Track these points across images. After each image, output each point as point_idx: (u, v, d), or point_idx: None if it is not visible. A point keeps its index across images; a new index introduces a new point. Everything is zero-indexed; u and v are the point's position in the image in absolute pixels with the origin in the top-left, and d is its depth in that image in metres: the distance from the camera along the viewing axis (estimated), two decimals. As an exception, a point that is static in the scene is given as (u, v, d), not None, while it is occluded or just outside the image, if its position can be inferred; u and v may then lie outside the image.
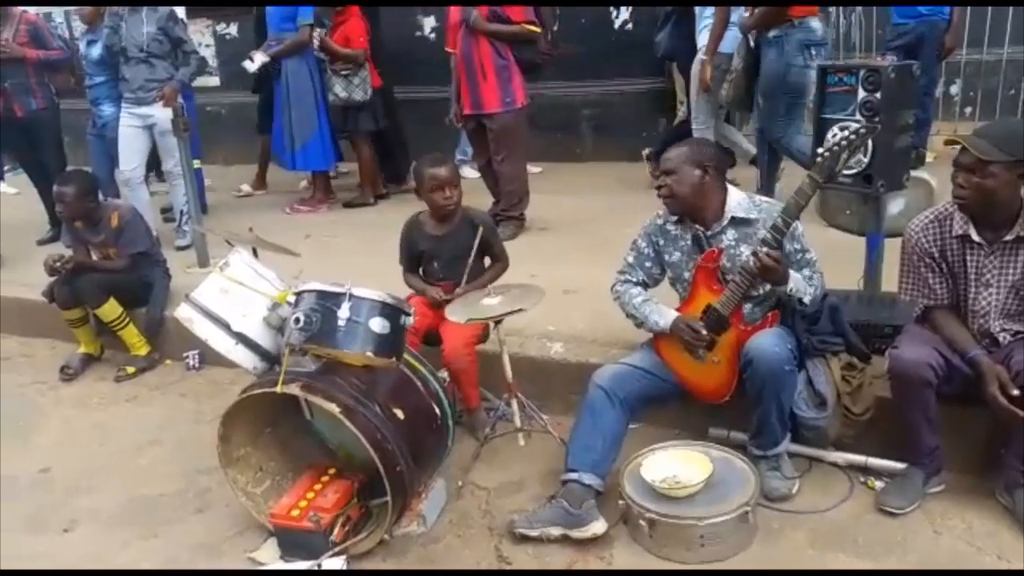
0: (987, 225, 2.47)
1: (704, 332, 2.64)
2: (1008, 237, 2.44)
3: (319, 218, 5.83)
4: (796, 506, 2.62)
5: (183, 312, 2.52)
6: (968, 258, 2.52)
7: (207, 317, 2.48)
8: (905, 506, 2.54)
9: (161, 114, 4.87)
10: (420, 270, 3.36)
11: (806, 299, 2.63)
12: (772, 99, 4.33)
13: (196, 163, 5.03)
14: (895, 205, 3.20)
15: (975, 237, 2.48)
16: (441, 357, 3.03)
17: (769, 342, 2.53)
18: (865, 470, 2.73)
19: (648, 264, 2.89)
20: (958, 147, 2.41)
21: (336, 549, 2.46)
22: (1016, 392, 2.31)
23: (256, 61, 5.63)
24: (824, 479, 2.74)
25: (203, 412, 3.55)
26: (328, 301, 2.36)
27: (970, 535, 2.44)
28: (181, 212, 5.15)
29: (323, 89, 5.74)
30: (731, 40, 4.70)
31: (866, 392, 2.72)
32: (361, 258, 4.36)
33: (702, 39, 4.98)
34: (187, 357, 4.01)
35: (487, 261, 3.37)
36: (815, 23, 4.23)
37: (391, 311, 2.43)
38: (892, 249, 2.88)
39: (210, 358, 3.90)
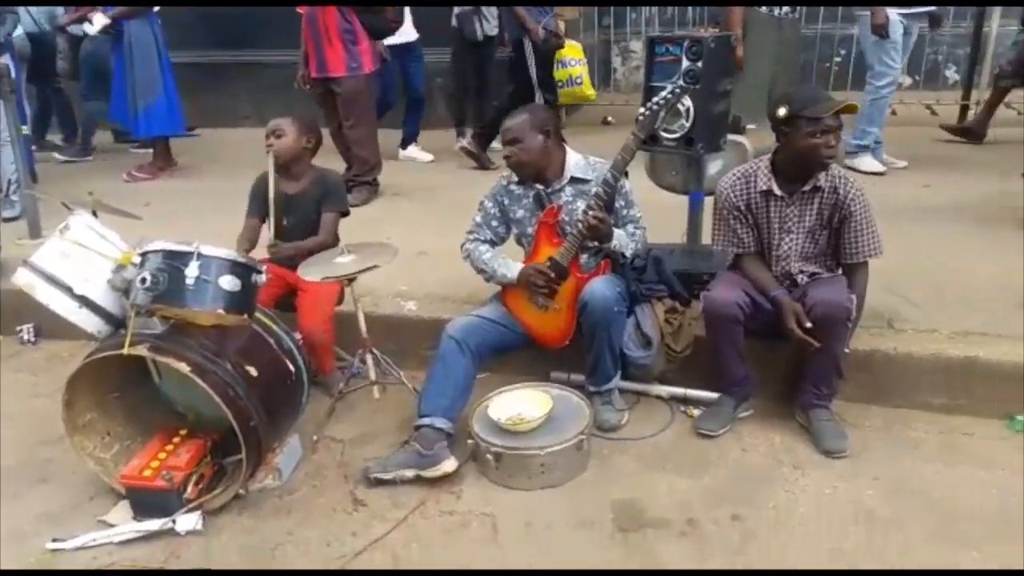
0: (788, 179, 2.81)
1: (551, 273, 2.84)
2: (805, 188, 2.79)
3: (160, 185, 5.63)
4: (625, 434, 2.90)
5: (22, 277, 2.43)
6: (771, 209, 2.85)
7: (48, 281, 2.41)
8: (718, 429, 2.87)
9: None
10: (272, 227, 3.34)
11: (627, 252, 2.90)
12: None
13: (24, 129, 4.73)
14: (714, 166, 3.48)
15: (777, 191, 2.82)
16: (298, 329, 3.04)
17: (601, 287, 2.79)
18: (685, 401, 3.06)
19: (495, 223, 3.06)
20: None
21: (190, 506, 2.49)
22: (810, 325, 2.66)
23: (96, 23, 5.33)
24: (650, 410, 3.05)
25: (40, 385, 3.42)
26: (175, 260, 2.35)
27: (772, 450, 2.80)
28: (8, 181, 4.82)
29: (167, 51, 5.53)
30: None
31: (686, 332, 3.04)
32: (205, 224, 4.26)
33: None
34: (20, 331, 3.83)
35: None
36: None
37: (242, 269, 2.45)
38: (712, 206, 3.19)
39: (46, 331, 3.76)
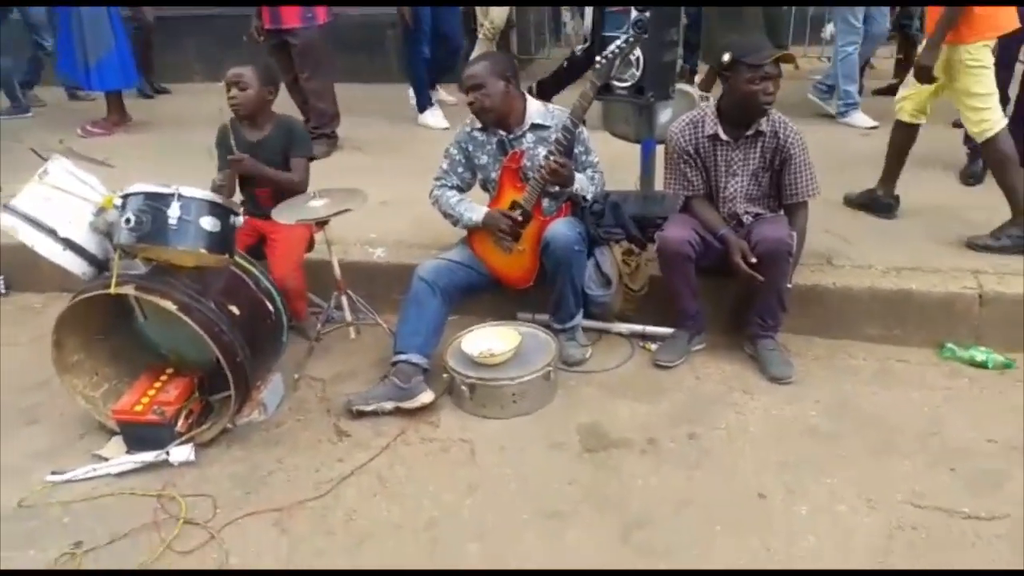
0: (732, 124, 3.00)
1: (518, 217, 2.99)
2: (748, 133, 2.98)
3: (116, 140, 5.57)
4: (589, 367, 3.10)
5: (5, 221, 2.48)
6: (718, 153, 3.04)
7: (31, 224, 2.47)
8: (674, 360, 3.09)
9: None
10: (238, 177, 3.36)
11: (588, 196, 3.07)
12: None
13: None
14: (664, 114, 3.59)
15: (723, 135, 3.01)
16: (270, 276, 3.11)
17: (562, 227, 2.96)
18: (643, 336, 3.27)
19: (460, 169, 3.19)
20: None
21: (183, 439, 2.61)
22: (754, 260, 2.87)
23: None
24: (611, 346, 3.25)
25: (16, 335, 3.46)
26: (157, 201, 2.43)
27: (723, 378, 3.03)
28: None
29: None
30: None
31: (642, 272, 3.24)
32: (169, 177, 4.17)
33: None
34: (-11, 283, 3.84)
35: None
36: None
37: (220, 210, 2.54)
38: (663, 153, 3.36)
39: (17, 283, 3.77)
